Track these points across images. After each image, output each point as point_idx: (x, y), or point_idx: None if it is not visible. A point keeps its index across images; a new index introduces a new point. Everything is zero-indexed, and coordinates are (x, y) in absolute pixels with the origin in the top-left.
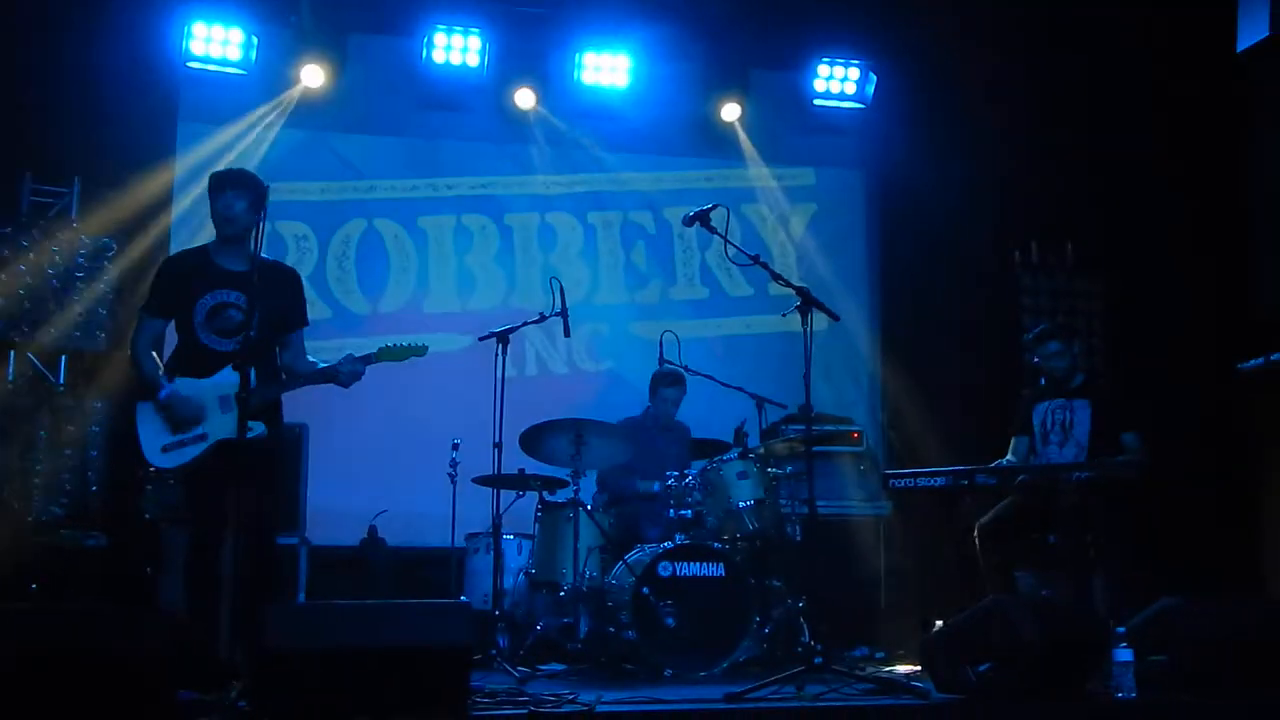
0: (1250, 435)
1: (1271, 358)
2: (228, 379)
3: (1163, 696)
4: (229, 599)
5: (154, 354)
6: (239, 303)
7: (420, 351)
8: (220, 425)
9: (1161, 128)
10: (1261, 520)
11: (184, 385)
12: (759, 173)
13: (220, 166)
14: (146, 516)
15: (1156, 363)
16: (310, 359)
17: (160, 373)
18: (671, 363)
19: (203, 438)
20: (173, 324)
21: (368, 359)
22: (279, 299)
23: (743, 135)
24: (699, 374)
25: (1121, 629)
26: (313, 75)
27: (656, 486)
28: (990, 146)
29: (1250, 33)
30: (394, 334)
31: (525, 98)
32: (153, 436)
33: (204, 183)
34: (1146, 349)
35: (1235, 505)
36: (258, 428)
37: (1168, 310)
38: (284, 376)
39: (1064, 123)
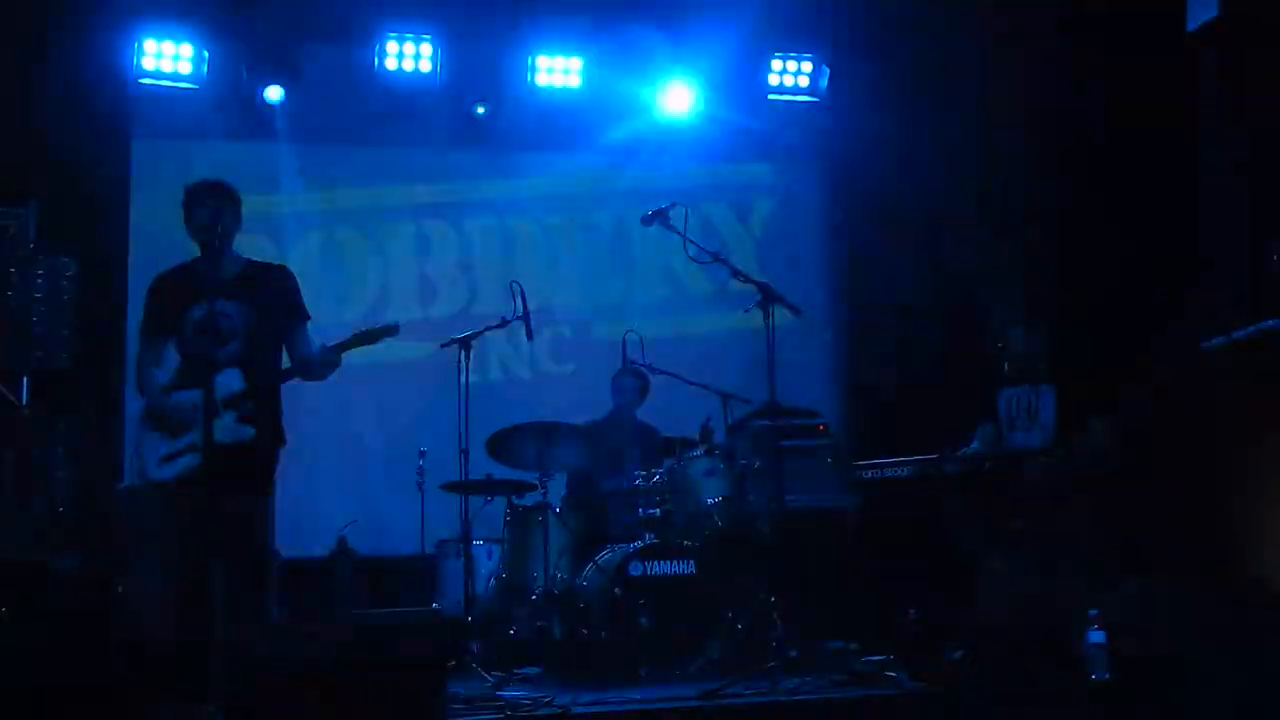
0: (1215, 414)
1: (1233, 335)
2: (220, 385)
3: (1135, 678)
4: (204, 614)
5: (152, 371)
6: (225, 310)
7: (393, 330)
8: (211, 431)
9: (1120, 112)
10: (1229, 499)
11: (178, 396)
12: (716, 169)
13: (176, 181)
14: (117, 536)
15: (1120, 345)
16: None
17: (154, 386)
18: (635, 362)
19: (194, 447)
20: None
21: (342, 346)
22: (272, 298)
23: (709, 128)
24: (663, 372)
25: (1094, 612)
26: (272, 95)
27: (625, 484)
28: (947, 135)
29: (1200, 11)
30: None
31: (479, 102)
32: (152, 451)
33: (162, 198)
34: (1109, 331)
35: (1202, 485)
36: (246, 431)
37: (1129, 292)
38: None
39: (1020, 109)
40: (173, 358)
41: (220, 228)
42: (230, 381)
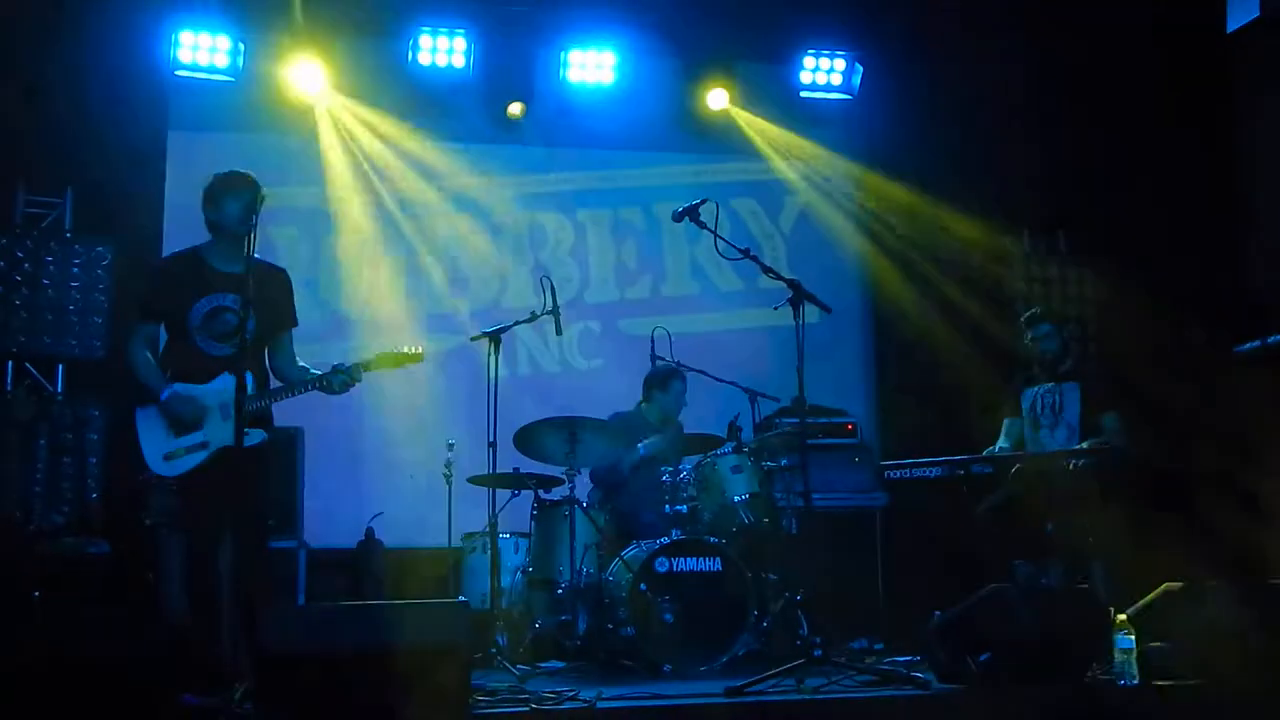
0: (1247, 418)
1: (1268, 340)
2: (226, 385)
3: (1165, 682)
4: (229, 603)
5: (150, 358)
6: (234, 306)
7: (417, 358)
8: (220, 432)
9: (1152, 112)
10: (1259, 503)
11: (184, 390)
12: (747, 166)
13: (212, 173)
14: (147, 523)
15: (1152, 347)
16: (301, 364)
17: (159, 376)
18: (663, 358)
19: (204, 445)
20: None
21: (365, 365)
22: (273, 300)
23: (741, 125)
24: (691, 369)
25: (1122, 615)
26: (302, 80)
27: (641, 449)
28: (980, 134)
29: (1240, 13)
30: (386, 335)
31: (513, 97)
32: (155, 444)
33: (197, 189)
34: (1141, 334)
35: (1232, 489)
36: (258, 434)
37: (1162, 294)
38: (274, 381)
39: (1054, 109)
40: (162, 342)
41: (252, 222)
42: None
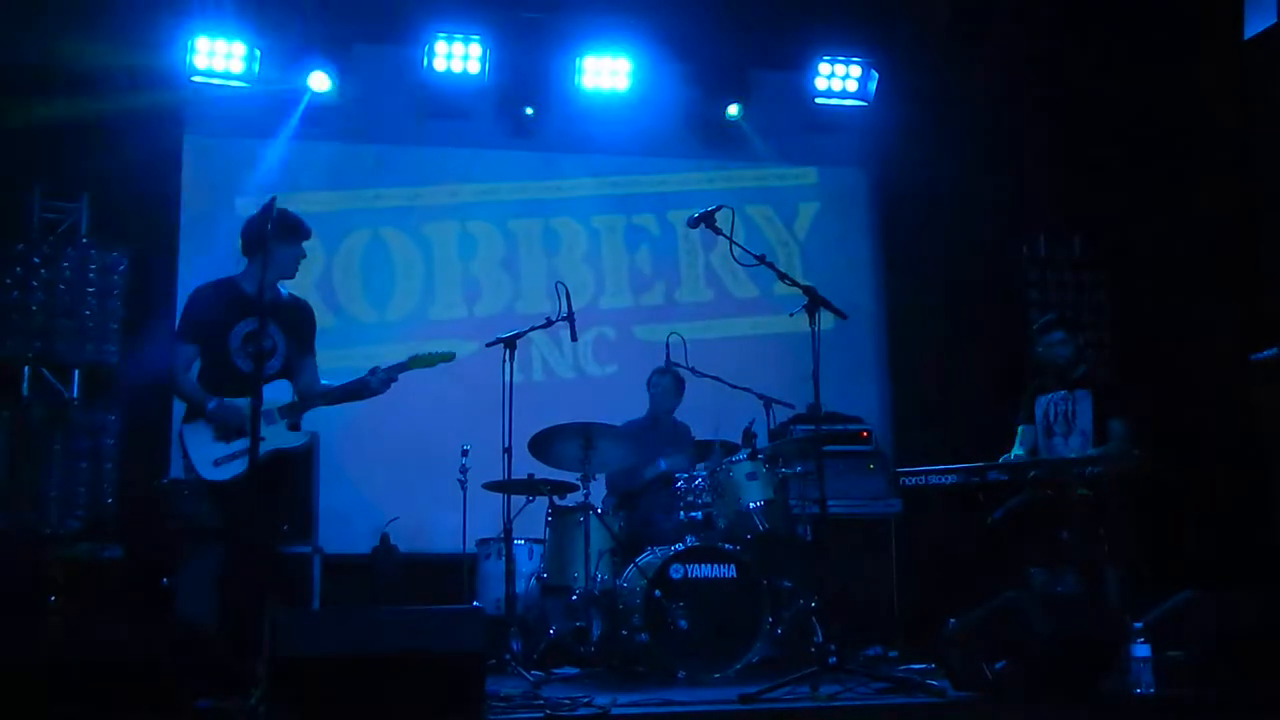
0: (1262, 426)
1: None
2: (268, 395)
3: (1181, 691)
4: (248, 607)
5: (192, 377)
6: (270, 330)
7: (449, 357)
8: (268, 436)
9: (1168, 117)
10: (1275, 511)
11: (229, 400)
12: (762, 173)
13: (227, 178)
14: (170, 527)
15: (1167, 355)
16: (324, 382)
17: (202, 392)
18: (678, 364)
19: (249, 451)
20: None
21: (400, 367)
22: (300, 326)
23: (756, 131)
24: (706, 375)
25: (1139, 624)
26: (318, 84)
27: (663, 464)
28: (994, 140)
29: (1258, 18)
30: (400, 342)
31: (527, 104)
32: (204, 451)
33: (213, 194)
34: (1156, 341)
35: (1248, 497)
36: (300, 438)
37: (1177, 301)
38: (299, 396)
39: (1069, 115)
40: (197, 365)
41: (296, 268)
42: (280, 394)
